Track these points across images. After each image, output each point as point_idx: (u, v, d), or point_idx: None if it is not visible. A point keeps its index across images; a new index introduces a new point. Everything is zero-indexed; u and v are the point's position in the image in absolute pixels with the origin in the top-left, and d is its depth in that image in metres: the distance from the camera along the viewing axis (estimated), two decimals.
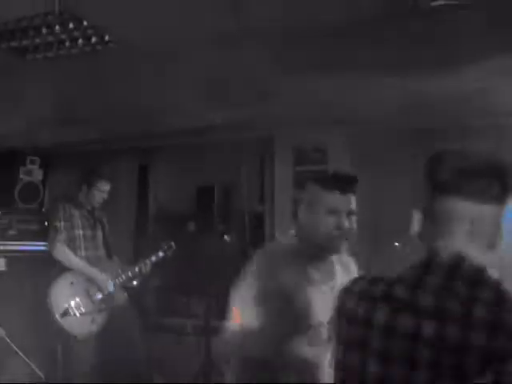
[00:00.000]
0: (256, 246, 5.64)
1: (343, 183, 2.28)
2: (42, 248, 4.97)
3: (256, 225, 5.57)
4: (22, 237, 5.10)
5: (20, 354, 3.90)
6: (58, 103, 4.56)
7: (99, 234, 4.68)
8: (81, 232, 4.55)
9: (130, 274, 4.58)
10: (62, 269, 4.42)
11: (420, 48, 3.25)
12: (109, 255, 4.70)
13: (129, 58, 3.52)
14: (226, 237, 5.33)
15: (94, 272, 4.46)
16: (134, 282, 4.61)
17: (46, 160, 5.99)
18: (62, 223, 4.48)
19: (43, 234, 4.98)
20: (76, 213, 4.57)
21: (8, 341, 3.77)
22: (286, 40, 3.17)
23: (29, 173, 5.89)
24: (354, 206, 2.28)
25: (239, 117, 4.84)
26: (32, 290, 4.71)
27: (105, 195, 4.65)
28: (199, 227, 5.24)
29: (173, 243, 4.73)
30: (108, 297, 4.46)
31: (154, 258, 4.67)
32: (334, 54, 3.39)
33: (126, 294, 4.63)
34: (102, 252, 4.66)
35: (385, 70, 3.69)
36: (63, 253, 4.42)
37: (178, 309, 5.56)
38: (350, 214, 2.27)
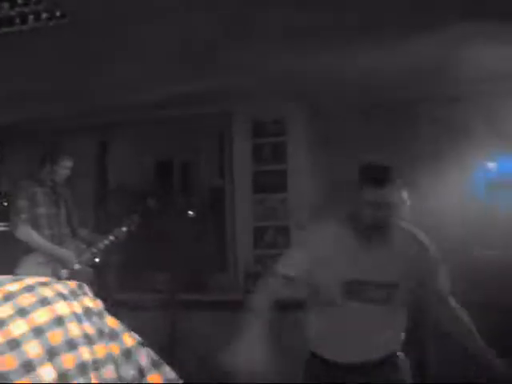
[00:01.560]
0: (217, 221, 5.76)
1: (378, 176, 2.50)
2: (2, 228, 4.93)
3: (216, 199, 5.61)
4: None
5: None
6: (16, 80, 4.49)
7: (62, 211, 4.65)
8: (44, 210, 4.50)
9: (93, 250, 4.58)
10: (28, 248, 4.39)
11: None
12: (73, 232, 4.68)
13: (84, 32, 3.49)
14: (190, 212, 5.35)
15: (58, 250, 4.44)
16: (97, 259, 4.61)
17: (2, 138, 5.90)
18: (25, 202, 4.43)
19: (3, 215, 4.94)
20: (38, 191, 4.49)
21: None
22: (244, 8, 3.19)
23: None
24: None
25: (198, 90, 4.85)
26: None
27: (67, 172, 4.61)
28: (159, 202, 5.26)
29: (136, 217, 4.72)
30: (73, 274, 4.46)
31: (117, 234, 4.66)
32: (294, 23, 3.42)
33: (90, 270, 4.63)
34: (65, 229, 4.63)
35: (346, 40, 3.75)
36: (26, 233, 4.37)
37: (142, 284, 5.59)
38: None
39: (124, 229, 4.68)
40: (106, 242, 4.61)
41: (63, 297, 0.65)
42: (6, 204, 5.22)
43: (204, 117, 5.49)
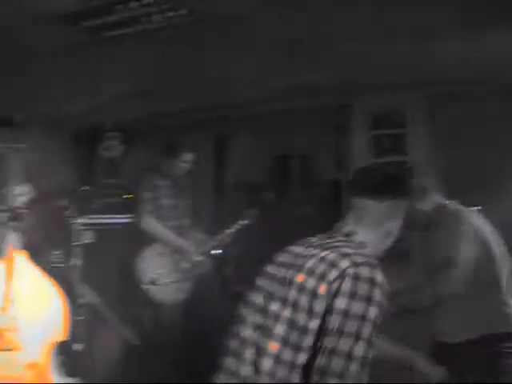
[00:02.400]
0: (335, 215, 5.66)
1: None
2: (127, 220, 5.11)
3: (334, 193, 5.53)
4: (106, 210, 5.24)
5: (114, 321, 4.07)
6: (135, 78, 4.64)
7: (183, 203, 4.75)
8: (166, 202, 4.62)
9: (213, 243, 4.66)
10: (150, 239, 4.53)
11: None
12: (193, 225, 4.77)
13: (200, 29, 3.53)
14: (307, 206, 5.32)
15: (180, 242, 4.56)
16: (217, 251, 4.68)
17: (125, 135, 6.12)
18: (149, 194, 4.56)
19: (127, 207, 5.13)
20: (161, 183, 4.64)
21: (101, 309, 3.93)
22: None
23: (109, 148, 6.04)
24: None
25: (315, 83, 4.79)
26: (119, 260, 4.86)
27: (188, 165, 4.70)
28: (277, 197, 5.26)
29: (254, 212, 4.75)
30: (193, 266, 4.55)
31: (236, 227, 4.71)
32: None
33: (209, 262, 4.71)
34: (186, 222, 4.74)
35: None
36: (150, 224, 4.53)
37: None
38: None
39: (243, 222, 4.72)
40: (226, 234, 4.67)
41: None
42: (128, 196, 5.40)
43: (322, 110, 5.42)
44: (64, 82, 4.48)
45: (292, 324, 1.81)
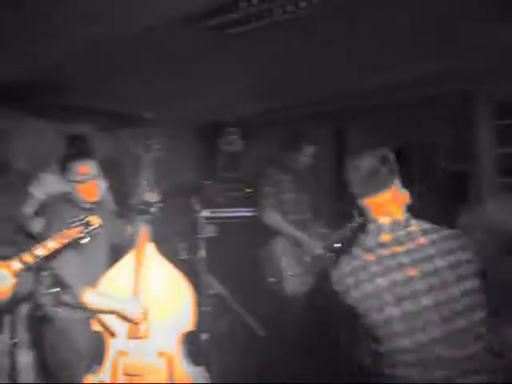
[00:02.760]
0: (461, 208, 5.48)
1: None
2: (248, 214, 5.20)
3: (459, 184, 5.34)
4: (229, 204, 5.36)
5: (240, 312, 4.16)
6: (257, 74, 4.70)
7: (305, 197, 4.78)
8: (288, 196, 4.66)
9: (335, 236, 4.64)
10: (274, 233, 4.60)
11: None
12: (314, 218, 4.79)
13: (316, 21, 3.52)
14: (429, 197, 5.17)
15: (301, 235, 4.58)
16: (339, 245, 4.65)
17: (245, 130, 6.23)
18: (270, 189, 4.63)
19: (248, 201, 5.22)
20: (283, 177, 4.67)
21: (228, 300, 4.03)
22: None
23: (230, 143, 6.18)
24: None
25: (437, 70, 4.65)
26: (242, 253, 4.96)
27: (309, 159, 4.71)
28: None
29: None
30: (315, 259, 4.56)
31: (358, 221, 4.65)
32: None
33: (331, 255, 4.70)
34: (308, 215, 4.76)
35: None
36: (273, 217, 4.57)
37: None
38: None
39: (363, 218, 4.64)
40: (348, 228, 4.63)
41: None
42: (249, 190, 5.50)
43: (444, 97, 5.25)
44: (189, 80, 4.62)
45: None
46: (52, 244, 2.78)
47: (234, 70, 4.56)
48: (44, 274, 2.79)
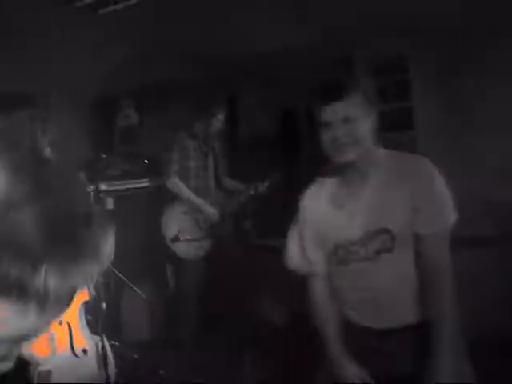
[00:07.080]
0: None
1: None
2: (145, 185, 5.31)
3: None
4: (125, 177, 5.41)
5: (127, 281, 4.25)
6: (136, 48, 4.74)
7: (211, 163, 4.87)
8: (193, 163, 4.74)
9: (235, 202, 4.80)
10: (174, 198, 4.73)
11: None
12: (218, 184, 4.93)
13: None
14: None
15: (201, 202, 4.71)
16: (237, 208, 4.82)
17: (139, 102, 6.25)
18: (177, 155, 4.69)
19: (145, 173, 5.32)
20: (190, 144, 4.73)
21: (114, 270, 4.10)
22: None
23: (126, 116, 6.21)
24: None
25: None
26: (142, 220, 5.08)
27: (221, 124, 4.75)
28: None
29: (277, 176, 4.79)
30: (214, 225, 4.73)
31: (258, 188, 4.77)
32: None
33: (230, 220, 4.87)
34: (212, 181, 4.89)
35: None
36: (176, 184, 4.69)
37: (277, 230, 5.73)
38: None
39: (266, 184, 4.77)
40: (247, 195, 4.77)
41: None
42: (147, 162, 5.57)
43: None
44: (70, 56, 4.63)
45: None
46: None
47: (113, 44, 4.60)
48: None
